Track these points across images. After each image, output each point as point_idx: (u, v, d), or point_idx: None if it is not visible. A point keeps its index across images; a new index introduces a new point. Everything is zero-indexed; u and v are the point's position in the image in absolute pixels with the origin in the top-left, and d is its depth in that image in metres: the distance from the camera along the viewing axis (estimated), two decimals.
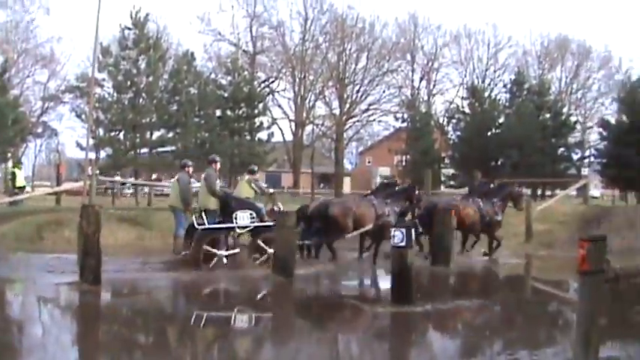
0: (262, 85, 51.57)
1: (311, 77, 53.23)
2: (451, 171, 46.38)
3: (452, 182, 45.20)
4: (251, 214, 13.75)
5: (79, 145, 38.03)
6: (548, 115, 44.08)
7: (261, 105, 41.64)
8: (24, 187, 24.85)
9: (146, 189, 35.69)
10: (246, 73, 44.45)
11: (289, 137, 54.96)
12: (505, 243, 17.32)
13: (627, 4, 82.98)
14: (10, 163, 35.04)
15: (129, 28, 36.66)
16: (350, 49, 52.87)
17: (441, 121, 52.72)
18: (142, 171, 39.05)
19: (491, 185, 18.87)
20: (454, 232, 15.84)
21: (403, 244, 9.69)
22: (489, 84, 55.92)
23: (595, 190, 48.48)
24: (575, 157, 46.63)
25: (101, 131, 36.03)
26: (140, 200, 32.44)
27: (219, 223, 13.63)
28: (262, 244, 13.55)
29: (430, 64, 58.11)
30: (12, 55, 48.60)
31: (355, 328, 9.35)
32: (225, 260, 13.46)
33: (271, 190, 16.15)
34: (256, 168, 16.77)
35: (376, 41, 53.44)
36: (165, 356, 7.44)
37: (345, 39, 52.34)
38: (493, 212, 16.72)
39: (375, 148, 67.61)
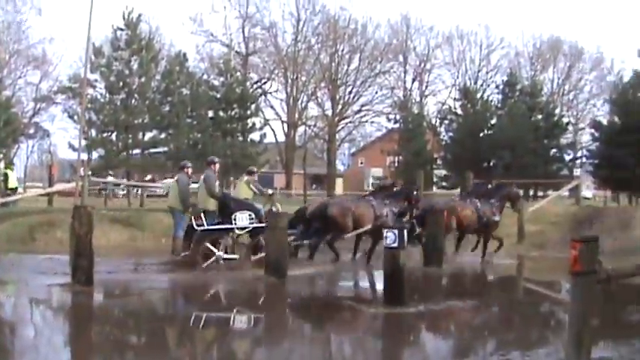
0: (255, 86, 51.53)
1: (303, 78, 53.31)
2: (443, 172, 46.45)
3: (444, 183, 45.26)
4: (250, 215, 13.75)
5: (71, 146, 38.00)
6: (540, 117, 44.24)
7: (253, 106, 41.61)
8: (16, 188, 24.74)
9: (139, 190, 35.58)
10: (238, 74, 44.43)
11: (282, 138, 55.11)
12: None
13: (619, 6, 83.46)
14: (2, 164, 34.76)
15: (121, 29, 36.55)
16: (342, 51, 53.04)
17: (433, 122, 52.86)
18: (134, 172, 38.96)
19: (489, 186, 18.89)
20: (454, 233, 15.86)
21: (395, 245, 9.68)
22: (482, 85, 56.06)
23: (587, 191, 48.54)
24: (567, 158, 46.90)
25: (93, 132, 35.92)
26: (132, 201, 32.36)
27: (218, 224, 13.62)
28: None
29: (422, 65, 58.27)
30: (4, 56, 48.54)
31: (347, 329, 9.32)
32: (221, 261, 13.45)
33: (270, 191, 16.13)
34: (255, 169, 16.78)
35: (368, 42, 53.64)
36: (157, 357, 7.42)
37: (337, 40, 52.45)
38: (491, 213, 16.73)
39: (367, 149, 67.57)
